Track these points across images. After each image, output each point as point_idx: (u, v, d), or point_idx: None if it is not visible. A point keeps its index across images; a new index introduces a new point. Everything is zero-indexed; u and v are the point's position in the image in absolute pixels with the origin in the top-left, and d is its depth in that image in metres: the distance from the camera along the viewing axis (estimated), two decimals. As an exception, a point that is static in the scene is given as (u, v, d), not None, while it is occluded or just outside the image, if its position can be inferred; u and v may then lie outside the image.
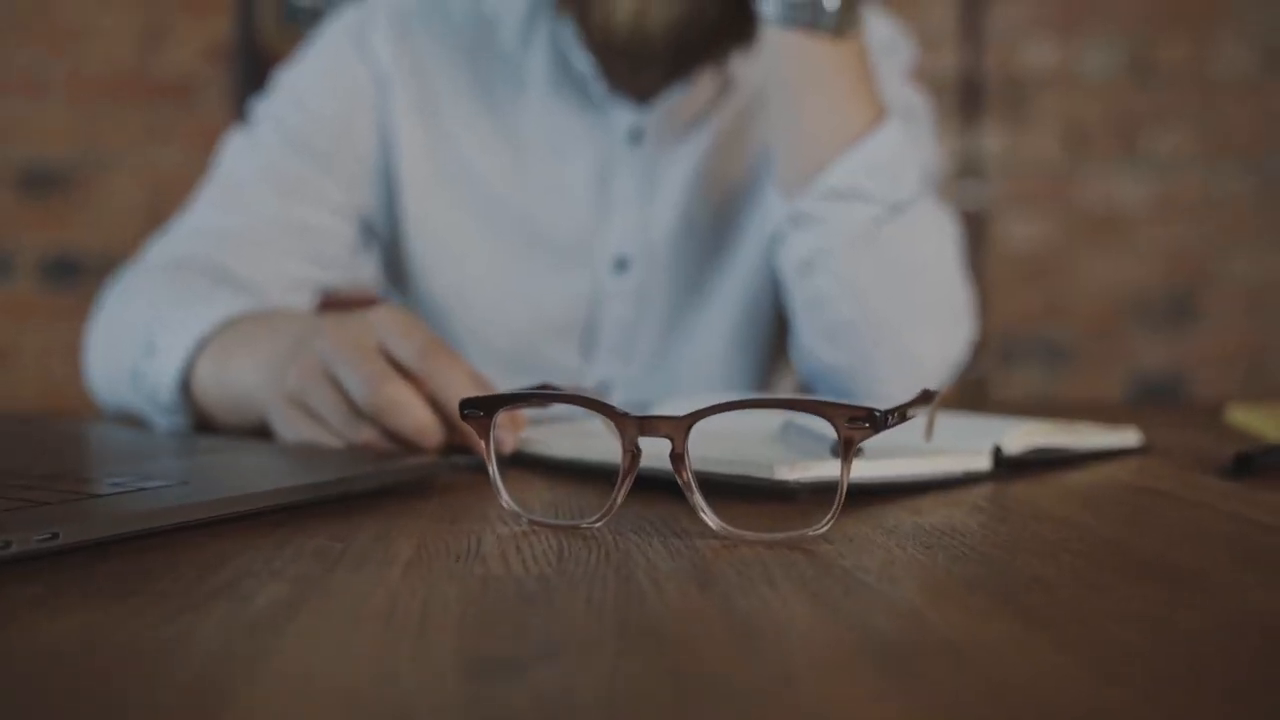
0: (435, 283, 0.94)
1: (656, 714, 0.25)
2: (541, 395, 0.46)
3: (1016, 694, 0.26)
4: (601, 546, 0.41)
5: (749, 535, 0.41)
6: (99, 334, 0.82)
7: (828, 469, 0.47)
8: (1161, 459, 0.61)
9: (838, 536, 0.42)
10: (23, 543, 0.37)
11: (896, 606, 0.33)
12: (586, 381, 0.95)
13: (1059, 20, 2.76)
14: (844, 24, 0.78)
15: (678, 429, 0.41)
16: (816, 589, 0.35)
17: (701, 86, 0.92)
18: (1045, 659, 0.28)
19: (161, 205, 2.62)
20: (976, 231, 2.75)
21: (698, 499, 0.42)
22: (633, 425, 0.42)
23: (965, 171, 2.75)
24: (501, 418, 0.53)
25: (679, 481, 0.42)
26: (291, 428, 0.59)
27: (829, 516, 0.41)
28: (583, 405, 0.43)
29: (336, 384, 0.58)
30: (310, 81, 0.94)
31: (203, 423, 0.72)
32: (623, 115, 0.92)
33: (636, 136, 0.92)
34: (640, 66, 0.86)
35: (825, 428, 0.60)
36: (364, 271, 0.99)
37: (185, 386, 0.71)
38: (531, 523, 0.44)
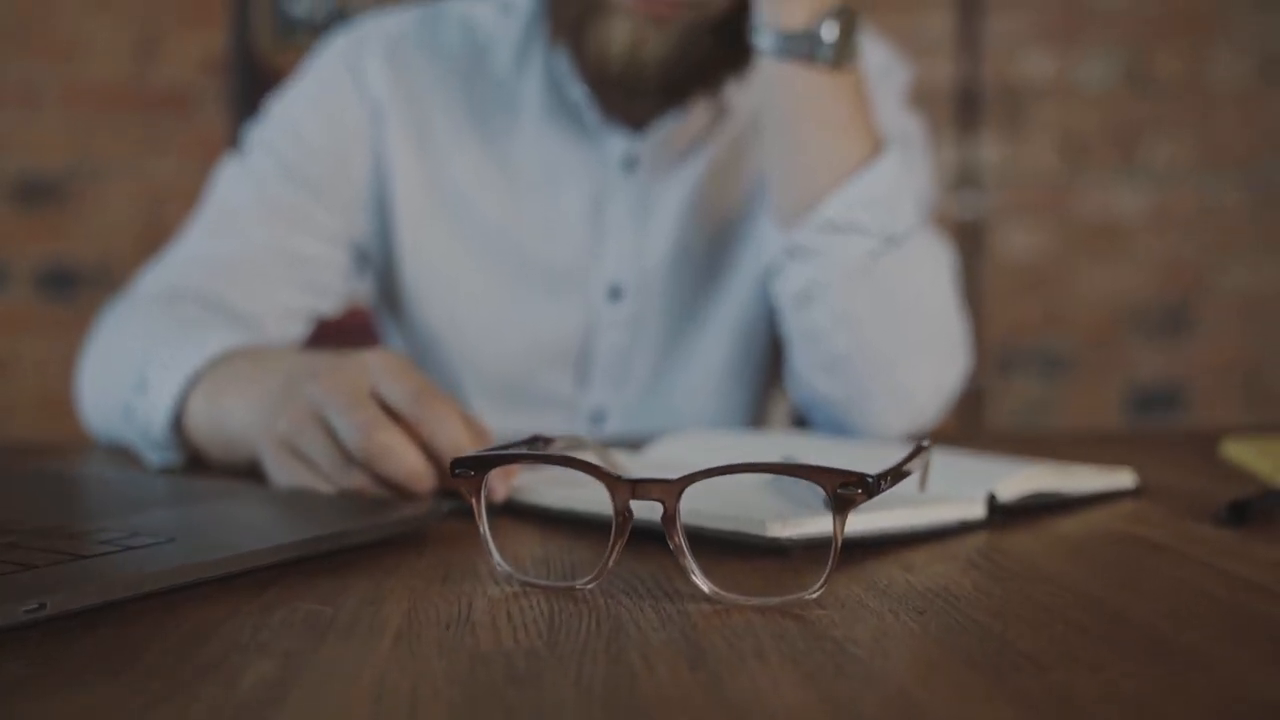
0: (429, 310, 0.94)
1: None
2: (533, 456, 0.46)
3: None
4: (593, 613, 0.40)
5: (740, 600, 0.41)
6: (92, 366, 0.81)
7: (820, 525, 0.47)
8: (1156, 504, 0.61)
9: (830, 600, 0.42)
10: (9, 615, 0.36)
11: (887, 687, 0.33)
12: (581, 409, 0.95)
13: (1056, 30, 2.76)
14: (842, 56, 0.78)
15: (669, 493, 0.41)
16: (808, 666, 0.34)
17: (696, 114, 0.92)
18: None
19: (157, 216, 2.62)
20: (974, 241, 2.75)
21: (689, 562, 0.42)
22: (624, 489, 0.41)
23: (963, 181, 2.75)
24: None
25: (670, 545, 0.42)
26: (283, 472, 0.59)
27: (821, 581, 0.41)
28: (574, 468, 0.43)
29: (328, 429, 0.57)
30: (304, 109, 0.93)
31: (195, 459, 0.72)
32: (617, 143, 0.92)
33: (631, 164, 0.92)
34: (635, 97, 0.86)
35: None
36: (359, 295, 0.99)
37: (177, 423, 0.71)
38: (523, 584, 0.44)
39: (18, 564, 0.41)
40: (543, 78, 0.93)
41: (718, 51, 0.84)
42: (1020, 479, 0.57)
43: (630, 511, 0.42)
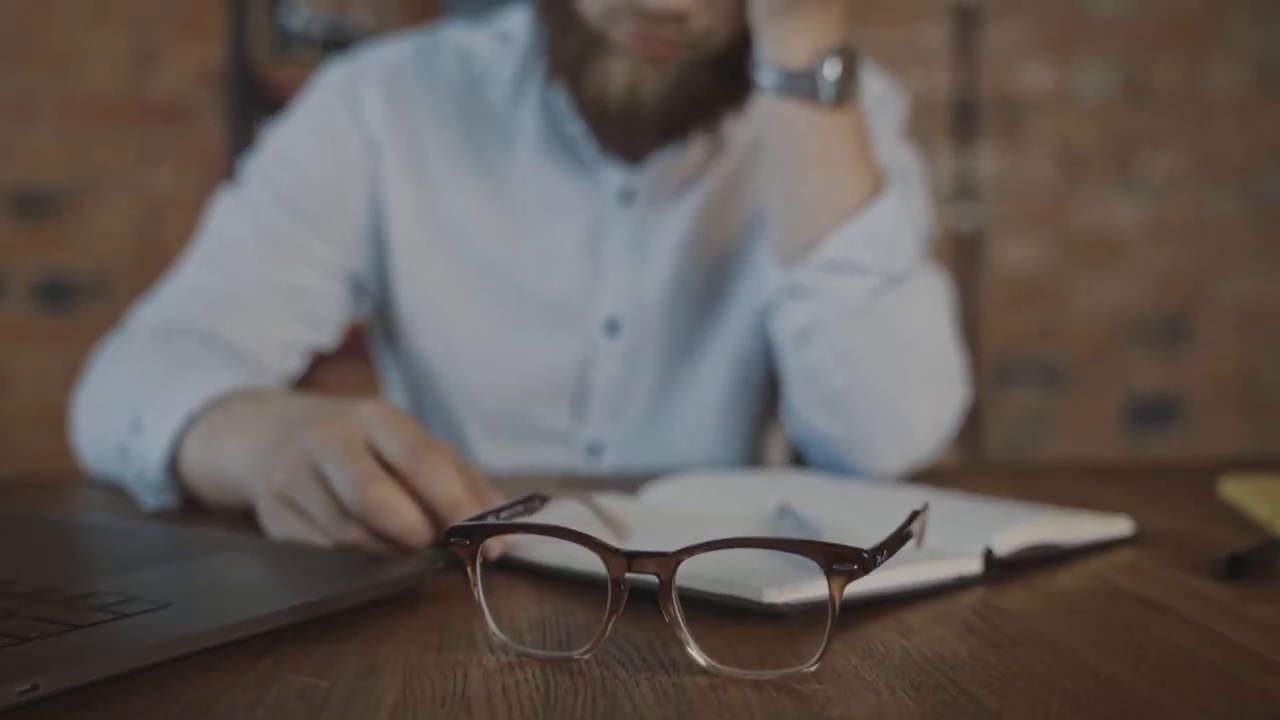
0: (425, 343, 0.94)
1: None
2: (529, 527, 0.46)
3: None
4: (589, 687, 0.40)
5: (737, 674, 0.41)
6: (87, 404, 0.81)
7: (817, 589, 0.47)
8: (1153, 553, 0.61)
9: (827, 673, 0.42)
10: (3, 698, 0.36)
11: (884, 778, 0.33)
12: (577, 442, 0.95)
13: (1053, 42, 2.76)
14: (843, 94, 0.78)
15: (665, 566, 0.41)
16: (803, 754, 0.34)
17: (693, 148, 0.91)
18: None
19: (154, 227, 2.61)
20: (971, 252, 2.75)
21: (685, 635, 0.41)
22: (620, 562, 0.41)
23: (960, 193, 2.75)
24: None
25: (665, 617, 0.41)
26: (279, 524, 0.59)
27: (817, 655, 0.41)
28: (570, 539, 0.43)
29: (324, 482, 0.57)
30: (300, 140, 0.93)
31: (191, 500, 0.72)
32: (614, 176, 0.92)
33: (628, 197, 0.92)
34: (634, 134, 0.86)
35: (819, 518, 0.60)
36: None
37: (172, 465, 0.71)
38: (519, 654, 0.44)
39: (12, 636, 0.41)
40: (540, 110, 0.93)
41: (716, 88, 0.84)
42: (1017, 531, 0.57)
43: (626, 583, 0.42)
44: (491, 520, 0.50)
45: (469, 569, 0.45)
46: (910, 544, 0.53)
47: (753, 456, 0.97)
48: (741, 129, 0.93)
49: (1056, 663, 0.43)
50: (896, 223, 0.80)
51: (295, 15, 2.35)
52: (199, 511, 0.71)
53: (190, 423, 0.70)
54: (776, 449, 1.02)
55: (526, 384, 0.94)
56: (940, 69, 2.75)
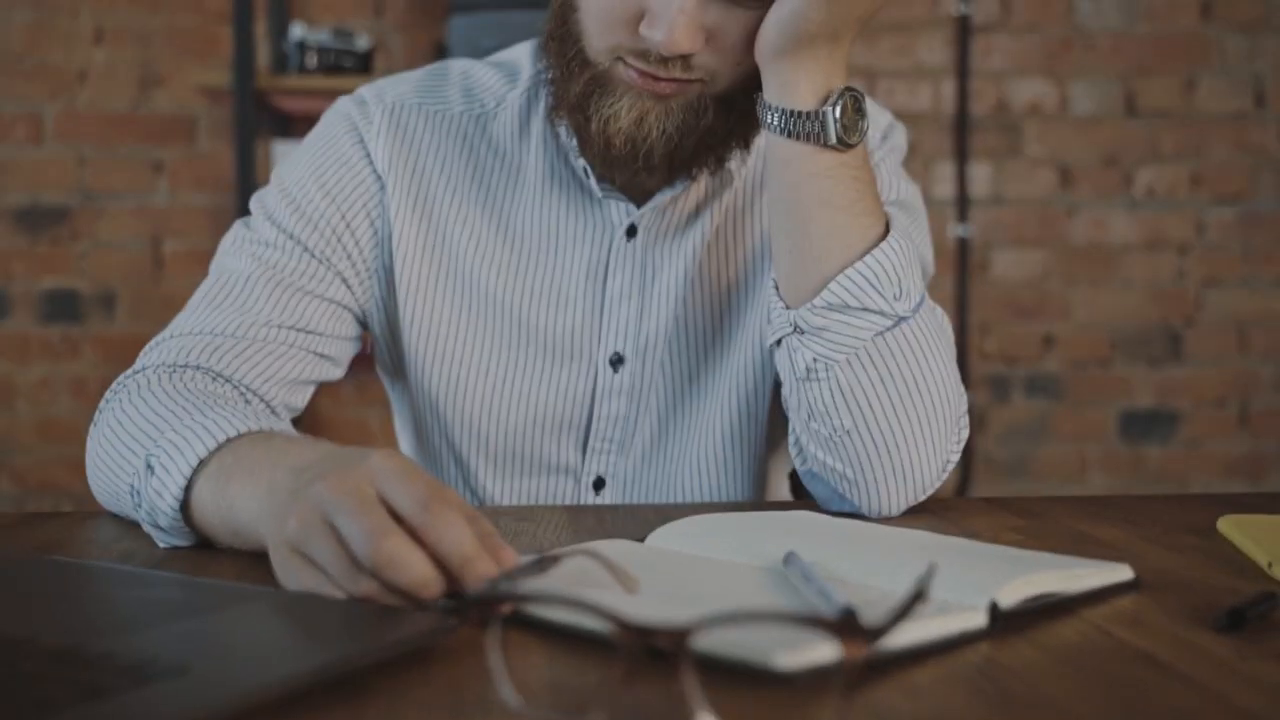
0: (431, 378, 0.95)
1: None
2: (547, 597, 0.46)
3: None
4: (603, 757, 0.41)
5: (749, 743, 0.42)
6: (99, 446, 0.82)
7: (828, 653, 0.47)
8: (1155, 601, 0.62)
9: (836, 741, 0.42)
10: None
11: None
12: (582, 475, 0.96)
13: (1050, 57, 2.78)
14: (849, 136, 0.79)
15: (677, 640, 0.42)
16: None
17: (697, 182, 0.92)
18: None
19: (158, 244, 2.62)
20: (967, 266, 2.76)
21: (698, 699, 0.42)
22: (634, 635, 0.42)
23: (957, 206, 2.76)
24: (494, 569, 0.54)
25: (679, 683, 0.42)
26: (292, 576, 0.59)
27: (828, 726, 0.41)
28: (583, 611, 0.44)
29: (336, 534, 0.58)
30: (308, 178, 0.94)
31: (204, 540, 0.73)
32: (619, 210, 0.92)
33: (632, 231, 0.93)
34: (638, 171, 0.87)
35: (825, 563, 0.61)
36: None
37: (184, 507, 0.71)
38: (535, 719, 0.45)
39: (37, 703, 0.42)
40: (545, 145, 0.94)
41: (722, 125, 0.85)
42: (1021, 584, 0.58)
43: (639, 655, 0.42)
44: (506, 588, 0.51)
45: (487, 639, 0.45)
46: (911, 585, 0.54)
47: (757, 489, 0.98)
48: (745, 163, 0.94)
49: (1062, 728, 0.44)
50: (903, 264, 0.81)
51: (299, 33, 2.36)
52: (210, 551, 0.72)
53: (201, 466, 0.70)
54: (780, 481, 1.03)
55: (532, 419, 0.94)
56: (939, 83, 2.77)
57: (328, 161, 0.94)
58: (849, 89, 0.79)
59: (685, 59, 0.80)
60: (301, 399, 0.92)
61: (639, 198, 0.92)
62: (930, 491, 0.85)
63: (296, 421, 0.93)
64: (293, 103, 2.47)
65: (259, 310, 0.89)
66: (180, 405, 0.78)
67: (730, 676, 0.49)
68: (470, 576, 0.56)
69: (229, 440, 0.71)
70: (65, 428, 2.64)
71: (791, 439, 0.88)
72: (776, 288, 0.84)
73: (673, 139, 0.83)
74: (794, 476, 1.08)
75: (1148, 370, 2.83)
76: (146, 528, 0.75)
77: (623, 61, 0.81)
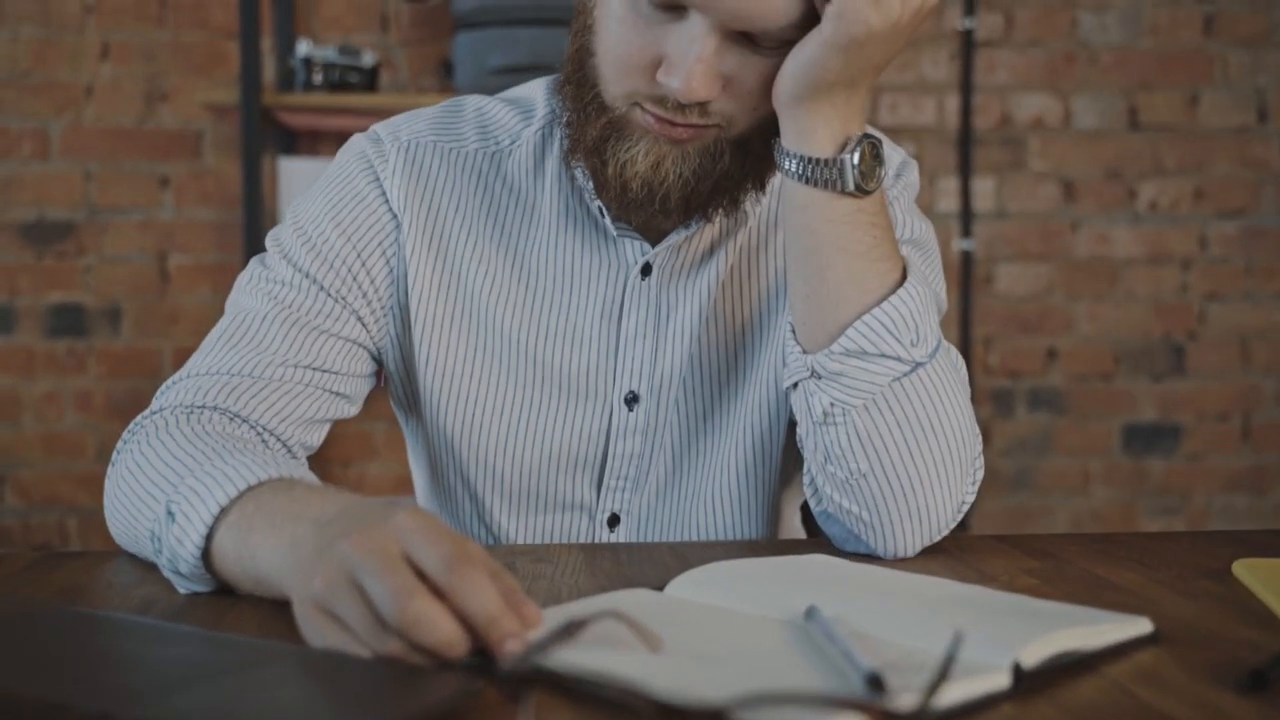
0: (446, 416, 0.95)
1: None
2: (578, 674, 0.47)
3: None
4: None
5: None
6: (118, 489, 0.82)
7: (853, 724, 0.48)
8: (1173, 657, 0.62)
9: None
10: None
11: None
12: (596, 513, 0.96)
13: (1053, 72, 2.78)
14: (866, 182, 0.79)
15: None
16: None
17: (711, 221, 0.93)
18: None
19: (164, 258, 2.62)
20: (970, 280, 2.76)
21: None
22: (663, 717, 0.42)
23: (961, 220, 2.76)
24: (519, 627, 0.55)
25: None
26: (318, 634, 0.60)
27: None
28: (612, 689, 0.44)
29: (362, 594, 0.58)
30: (324, 216, 0.94)
31: (224, 586, 0.73)
32: (634, 249, 0.93)
33: (647, 270, 0.93)
34: (655, 214, 0.87)
35: (847, 618, 0.61)
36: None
37: (205, 555, 0.72)
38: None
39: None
40: (560, 183, 0.94)
41: (738, 169, 0.85)
42: (1044, 643, 0.58)
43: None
44: (537, 660, 0.51)
45: (520, 714, 0.46)
46: (938, 642, 0.55)
47: (770, 525, 0.99)
48: (758, 201, 0.94)
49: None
50: (919, 309, 0.81)
51: (306, 49, 2.36)
52: (230, 598, 0.72)
53: (222, 515, 0.71)
54: (792, 514, 1.03)
55: (547, 457, 0.95)
56: (942, 98, 2.77)
57: (343, 199, 0.94)
58: (867, 135, 0.80)
59: (703, 105, 0.80)
60: (317, 437, 0.92)
61: (653, 236, 0.93)
62: (945, 532, 0.86)
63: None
64: (299, 119, 2.48)
65: (275, 350, 0.89)
66: (199, 449, 0.78)
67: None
68: (496, 636, 0.56)
69: (250, 488, 0.71)
70: (70, 442, 2.64)
71: (806, 480, 0.89)
72: (793, 331, 0.84)
73: (689, 183, 0.83)
74: (805, 507, 1.08)
75: (1150, 384, 2.83)
76: (166, 573, 0.75)
77: (640, 107, 0.82)
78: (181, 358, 2.57)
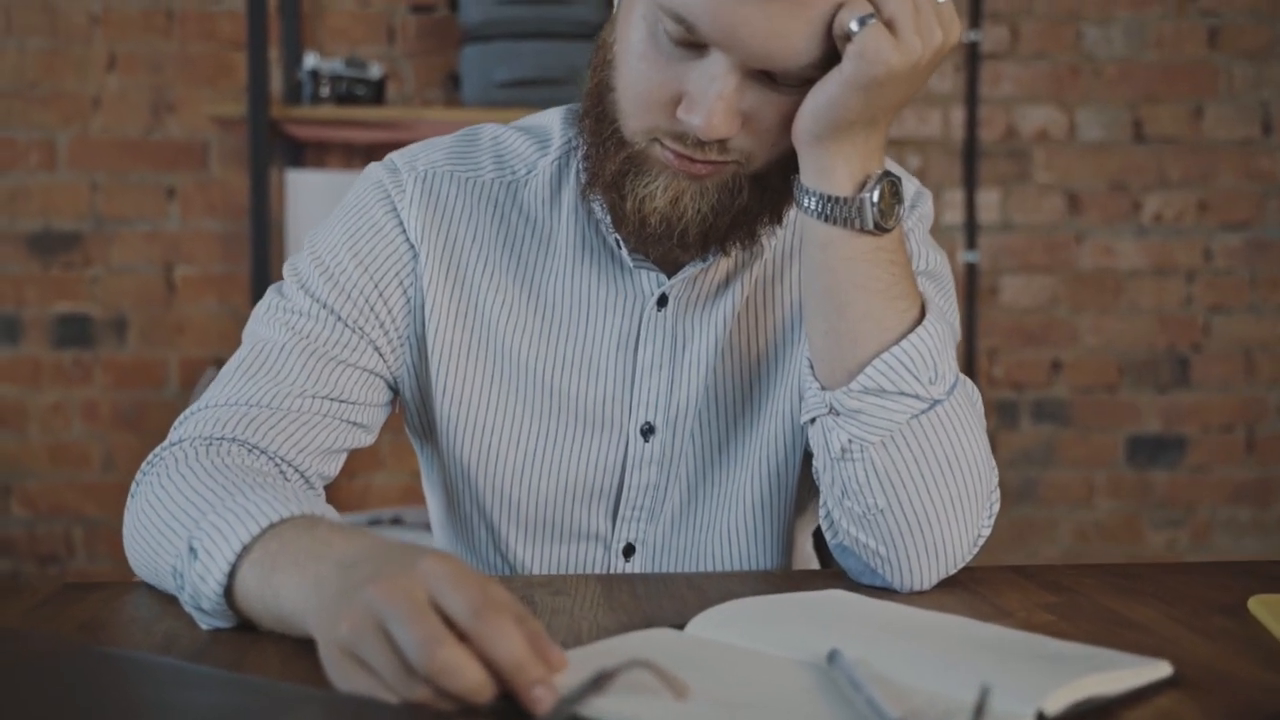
0: (462, 446, 0.95)
1: None
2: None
3: None
4: None
5: None
6: (138, 521, 0.82)
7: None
8: (1192, 702, 0.62)
9: None
10: None
11: None
12: (612, 543, 0.96)
13: (1058, 84, 2.79)
14: (885, 221, 0.80)
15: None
16: None
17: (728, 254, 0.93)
18: None
19: (170, 269, 2.63)
20: (975, 292, 2.77)
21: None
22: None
23: (965, 232, 2.77)
24: (545, 673, 0.55)
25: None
26: (345, 679, 0.60)
27: None
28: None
29: (390, 640, 0.59)
30: (341, 246, 0.94)
31: (245, 622, 0.73)
32: (650, 280, 0.93)
33: (661, 301, 0.94)
34: (673, 248, 0.87)
35: (869, 662, 0.61)
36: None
37: (227, 592, 0.72)
38: None
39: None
40: (576, 213, 0.94)
41: (756, 204, 0.85)
42: (1067, 691, 0.59)
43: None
44: (573, 711, 0.51)
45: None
46: (963, 691, 0.55)
47: (784, 555, 0.99)
48: (774, 233, 0.94)
49: None
50: (938, 347, 0.81)
51: (313, 60, 2.36)
52: (253, 635, 0.73)
53: (245, 553, 0.71)
54: (805, 542, 1.03)
55: (563, 487, 0.95)
56: (948, 110, 2.78)
57: (360, 229, 0.95)
58: (886, 174, 0.80)
59: (722, 142, 0.80)
60: (335, 467, 0.92)
61: (669, 268, 0.93)
62: (961, 565, 0.86)
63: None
64: (305, 131, 2.48)
65: (293, 380, 0.90)
66: (220, 484, 0.78)
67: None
68: (522, 682, 0.57)
69: (272, 525, 0.72)
70: (77, 452, 2.64)
71: (823, 513, 0.89)
72: (811, 367, 0.85)
73: (708, 218, 0.84)
74: (818, 533, 1.09)
75: (1155, 395, 2.84)
76: (188, 608, 0.75)
77: (659, 143, 0.82)
78: (187, 368, 2.58)
